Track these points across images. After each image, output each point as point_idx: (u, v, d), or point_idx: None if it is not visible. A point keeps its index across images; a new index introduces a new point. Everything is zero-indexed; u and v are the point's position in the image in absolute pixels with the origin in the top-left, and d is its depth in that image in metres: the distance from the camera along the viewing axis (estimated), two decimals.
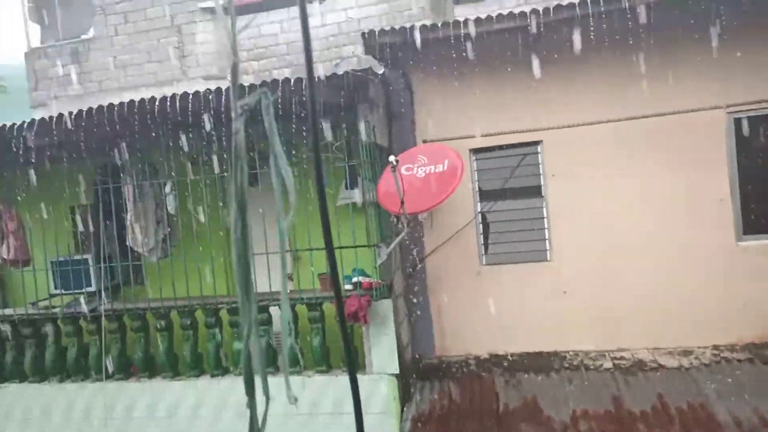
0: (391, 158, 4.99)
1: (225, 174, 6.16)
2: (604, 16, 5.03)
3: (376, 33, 5.54)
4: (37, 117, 7.21)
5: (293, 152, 5.65)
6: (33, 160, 6.17)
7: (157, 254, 6.46)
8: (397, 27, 6.12)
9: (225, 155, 5.89)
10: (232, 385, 5.95)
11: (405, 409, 5.44)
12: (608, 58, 5.32)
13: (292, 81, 5.11)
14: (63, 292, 6.72)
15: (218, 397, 5.98)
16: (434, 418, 5.21)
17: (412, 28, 5.45)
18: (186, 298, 6.10)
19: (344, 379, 5.65)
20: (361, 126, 5.34)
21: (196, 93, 5.38)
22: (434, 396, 5.54)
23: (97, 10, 10.60)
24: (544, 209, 5.62)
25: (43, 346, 6.49)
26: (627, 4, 4.87)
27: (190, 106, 5.33)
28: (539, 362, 5.43)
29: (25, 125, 5.68)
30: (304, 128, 5.70)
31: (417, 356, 5.78)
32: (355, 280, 5.54)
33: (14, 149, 5.87)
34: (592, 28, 5.14)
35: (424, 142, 5.66)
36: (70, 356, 6.43)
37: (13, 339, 6.56)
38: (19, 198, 6.84)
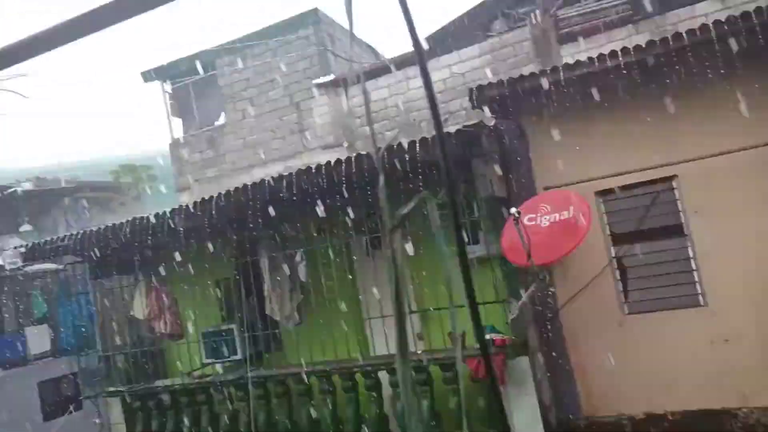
0: (513, 210, 4.89)
1: (349, 241, 6.40)
2: (729, 35, 4.65)
3: (484, 87, 5.56)
4: (182, 199, 8.02)
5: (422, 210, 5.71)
6: (180, 242, 6.83)
7: (293, 321, 6.76)
8: (502, 75, 6.11)
9: (349, 222, 6.12)
10: None
11: None
12: (743, 78, 4.87)
13: (406, 144, 5.22)
14: (213, 360, 7.22)
15: None
16: None
17: (521, 78, 5.40)
18: (322, 362, 6.28)
19: None
20: (478, 180, 5.31)
21: (319, 167, 5.68)
22: None
23: (227, 99, 11.75)
24: (689, 249, 5.13)
25: (199, 413, 6.96)
26: (757, 20, 4.48)
27: (314, 178, 5.65)
28: (707, 422, 4.82)
29: (173, 212, 6.33)
30: (420, 185, 5.78)
31: (562, 418, 5.41)
32: (487, 337, 5.39)
33: (164, 233, 6.55)
34: (718, 52, 4.76)
35: (545, 189, 5.48)
36: (222, 423, 6.83)
37: (171, 408, 7.12)
38: (170, 277, 7.55)
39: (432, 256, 5.86)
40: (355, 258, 6.81)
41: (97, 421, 8.19)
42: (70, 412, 13.26)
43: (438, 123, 1.37)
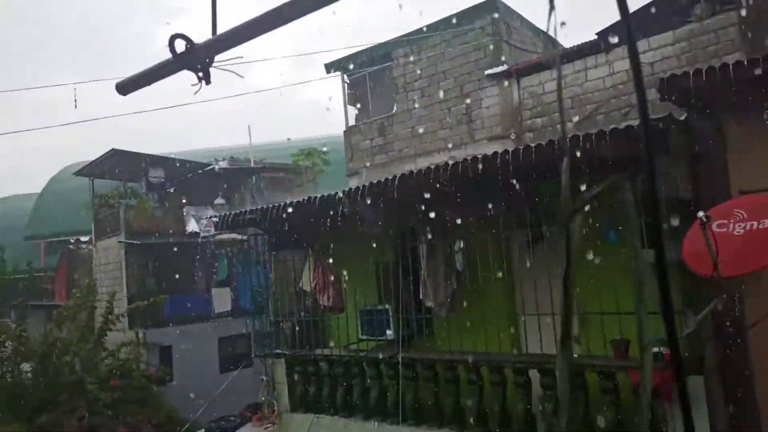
0: (701, 214, 4.39)
1: (510, 234, 6.26)
2: None
3: (677, 77, 5.04)
4: (352, 183, 8.42)
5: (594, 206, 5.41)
6: (347, 223, 7.23)
7: (445, 309, 6.81)
8: (699, 65, 5.47)
9: (512, 215, 5.98)
10: None
11: None
12: None
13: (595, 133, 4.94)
14: (368, 337, 7.57)
15: None
16: None
17: (724, 67, 4.81)
18: (472, 352, 6.25)
19: None
20: (661, 179, 4.84)
21: (486, 156, 5.63)
22: None
23: (399, 89, 12.13)
24: None
25: (351, 385, 7.36)
26: None
27: (480, 167, 5.61)
28: None
29: (338, 195, 6.71)
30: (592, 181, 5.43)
31: None
32: (655, 350, 4.93)
33: (332, 213, 6.97)
34: None
35: (742, 193, 4.83)
36: (372, 397, 7.14)
37: (327, 376, 7.60)
38: (336, 255, 8.04)
39: (599, 255, 5.50)
40: (513, 252, 6.66)
41: (264, 378, 9.07)
42: (242, 368, 14.82)
43: (644, 107, 1.24)
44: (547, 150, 5.12)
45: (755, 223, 4.39)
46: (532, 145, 5.24)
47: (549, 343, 5.71)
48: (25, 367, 13.92)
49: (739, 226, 4.48)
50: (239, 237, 15.63)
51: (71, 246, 24.94)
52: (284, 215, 7.39)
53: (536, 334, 5.73)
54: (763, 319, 4.76)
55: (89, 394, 13.21)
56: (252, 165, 17.83)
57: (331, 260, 8.00)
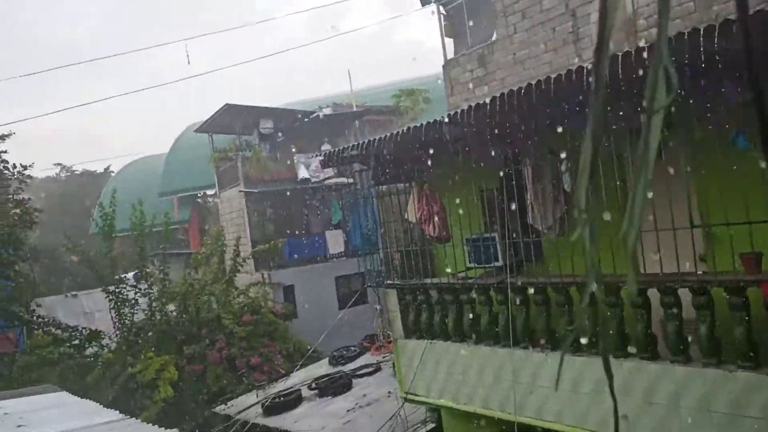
0: None
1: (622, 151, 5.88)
2: None
3: None
4: None
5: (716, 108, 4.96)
6: (449, 151, 7.18)
7: (555, 232, 6.64)
8: None
9: (624, 127, 5.61)
10: (635, 369, 5.64)
11: None
12: None
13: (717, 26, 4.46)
14: (476, 265, 7.60)
15: (621, 378, 5.76)
16: None
17: None
18: (584, 275, 6.07)
19: None
20: None
21: (580, 68, 5.27)
22: None
23: (499, 14, 11.57)
24: None
25: (462, 311, 7.49)
26: None
27: (575, 82, 5.28)
28: None
29: (442, 120, 6.65)
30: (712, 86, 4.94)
31: None
32: None
33: (434, 142, 6.95)
34: None
35: None
36: (483, 322, 7.23)
37: (438, 304, 7.79)
38: (440, 184, 8.06)
39: (724, 162, 5.05)
40: (627, 167, 6.26)
41: (378, 307, 9.51)
42: (358, 304, 15.57)
43: None
44: (650, 55, 4.68)
45: None
46: (645, 45, 4.81)
47: (669, 260, 5.40)
48: (170, 307, 15.64)
49: None
50: (347, 180, 16.14)
51: (200, 199, 27.16)
52: (387, 148, 7.49)
53: (654, 252, 5.43)
54: None
55: (225, 328, 14.62)
56: (354, 109, 18.10)
57: (434, 190, 8.04)
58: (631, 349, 5.79)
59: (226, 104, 17.27)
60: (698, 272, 5.44)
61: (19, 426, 4.95)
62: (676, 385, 5.35)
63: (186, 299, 15.24)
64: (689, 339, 5.40)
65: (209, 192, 25.72)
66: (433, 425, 9.04)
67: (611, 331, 5.90)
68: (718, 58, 4.54)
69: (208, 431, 11.37)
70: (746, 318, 4.93)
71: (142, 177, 27.10)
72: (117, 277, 15.67)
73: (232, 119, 18.31)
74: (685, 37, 4.58)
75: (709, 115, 5.00)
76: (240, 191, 18.26)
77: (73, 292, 21.81)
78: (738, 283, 4.94)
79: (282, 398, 11.56)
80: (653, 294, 5.56)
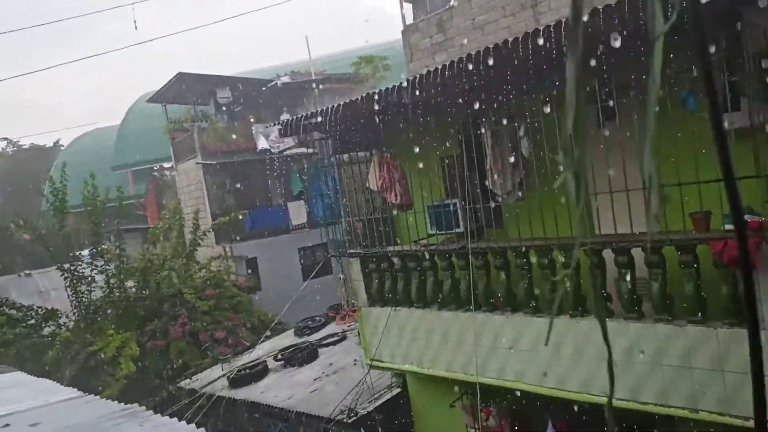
0: None
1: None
2: None
3: None
4: None
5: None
6: (409, 117, 7.13)
7: (514, 197, 6.72)
8: None
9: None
10: (592, 327, 5.82)
11: None
12: None
13: None
14: (437, 232, 7.65)
15: (579, 337, 5.95)
16: None
17: None
18: (543, 238, 6.20)
19: (724, 333, 4.90)
20: (747, 32, 4.38)
21: (549, 27, 5.27)
22: None
23: None
24: None
25: (424, 277, 7.56)
26: None
27: (532, 46, 5.27)
28: None
29: (401, 85, 6.57)
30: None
31: None
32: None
33: (394, 108, 6.89)
34: None
35: None
36: (445, 287, 7.32)
37: (400, 271, 7.83)
38: (400, 151, 8.02)
39: (673, 123, 5.17)
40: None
41: (341, 276, 9.52)
42: (322, 275, 15.55)
43: None
44: (613, 13, 4.71)
45: None
46: (601, 7, 4.82)
47: (623, 221, 5.54)
48: (129, 283, 15.30)
49: None
50: (308, 151, 15.92)
51: (156, 173, 26.43)
52: (347, 115, 7.38)
53: (609, 213, 5.56)
54: None
55: (188, 303, 14.43)
56: (313, 77, 17.77)
57: (395, 157, 8.00)
58: (587, 309, 5.97)
59: (179, 73, 16.70)
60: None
61: None
62: (630, 341, 5.56)
63: (145, 275, 14.94)
64: (641, 297, 5.60)
65: (165, 165, 25.04)
66: (398, 390, 9.21)
67: (570, 293, 6.06)
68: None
69: (173, 406, 11.29)
70: (696, 275, 5.13)
71: (94, 150, 26.16)
72: (72, 254, 15.19)
73: (186, 88, 17.74)
74: None
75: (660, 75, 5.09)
76: (197, 163, 17.83)
77: (27, 271, 21.11)
78: (688, 242, 5.11)
79: (248, 370, 11.55)
80: (608, 254, 5.72)
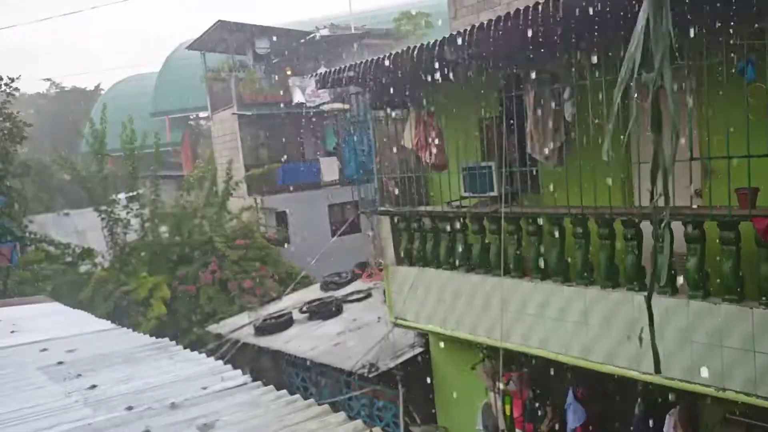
0: None
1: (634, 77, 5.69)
2: None
3: None
4: None
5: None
6: (449, 75, 6.95)
7: (553, 161, 6.56)
8: None
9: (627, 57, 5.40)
10: (623, 299, 5.72)
11: None
12: None
13: None
14: (471, 194, 7.55)
15: (607, 308, 5.87)
16: None
17: None
18: (580, 206, 6.06)
19: (759, 313, 4.76)
20: None
21: None
22: None
23: None
24: None
25: (455, 239, 7.51)
26: None
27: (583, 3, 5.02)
28: None
29: (443, 40, 6.39)
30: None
31: None
32: None
33: (434, 65, 6.71)
34: None
35: None
36: (475, 251, 7.26)
37: (431, 231, 7.79)
38: (438, 110, 7.87)
39: (729, 93, 4.92)
40: (629, 97, 6.11)
41: (370, 233, 9.54)
42: (352, 232, 15.65)
43: None
44: None
45: None
46: None
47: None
48: (162, 228, 15.67)
49: None
50: (344, 107, 15.79)
51: (192, 121, 26.70)
52: (385, 70, 7.24)
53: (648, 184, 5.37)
54: None
55: (218, 251, 14.74)
56: (353, 32, 17.47)
57: (432, 116, 7.86)
58: (621, 280, 5.87)
59: (219, 20, 16.61)
60: (694, 206, 5.43)
61: (12, 332, 5.01)
62: (661, 316, 5.45)
63: (178, 221, 15.26)
64: (677, 272, 5.45)
65: (202, 114, 25.23)
66: (420, 349, 9.30)
67: (603, 263, 5.95)
68: None
69: (201, 347, 11.67)
70: (736, 253, 4.96)
71: (133, 95, 26.48)
72: (109, 197, 15.58)
73: (225, 37, 17.67)
74: None
75: (720, 40, 4.81)
76: (233, 113, 17.90)
77: (66, 211, 21.76)
78: (729, 218, 4.92)
79: (273, 320, 11.81)
80: (646, 227, 5.56)
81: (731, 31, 4.81)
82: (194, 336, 13.32)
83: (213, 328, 12.89)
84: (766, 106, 5.04)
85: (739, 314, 4.90)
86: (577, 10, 5.07)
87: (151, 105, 24.63)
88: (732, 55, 4.85)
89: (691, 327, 5.23)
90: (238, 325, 12.40)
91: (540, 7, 5.33)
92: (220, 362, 3.50)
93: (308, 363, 10.08)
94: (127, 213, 15.43)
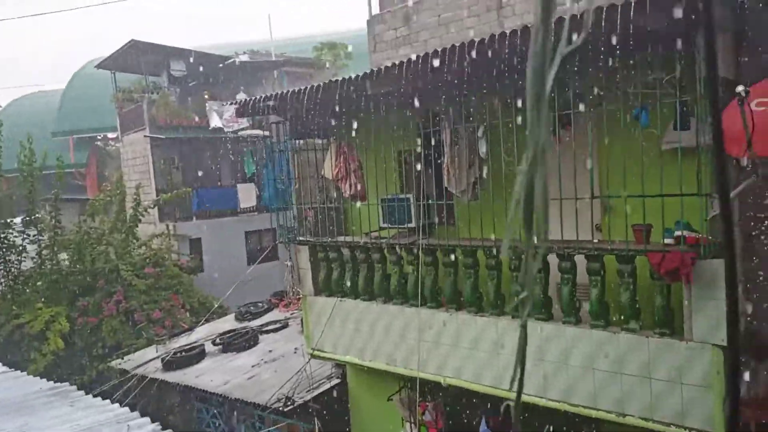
0: (740, 88, 4.15)
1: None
2: None
3: None
4: None
5: (614, 89, 5.19)
6: (370, 108, 7.08)
7: (468, 196, 6.79)
8: None
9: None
10: (530, 329, 5.96)
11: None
12: None
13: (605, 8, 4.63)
14: (390, 225, 7.65)
15: (516, 338, 6.07)
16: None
17: None
18: (492, 239, 6.30)
19: (656, 343, 5.12)
20: (700, 55, 4.56)
21: (503, 34, 5.34)
22: None
23: None
24: None
25: (373, 270, 7.55)
26: None
27: (497, 48, 5.33)
28: None
29: (364, 76, 6.52)
30: (626, 62, 5.18)
31: (752, 331, 4.84)
32: (678, 233, 4.89)
33: (355, 98, 6.82)
34: None
35: None
36: (393, 281, 7.34)
37: (349, 262, 7.80)
38: (358, 142, 7.97)
39: (626, 137, 5.34)
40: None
41: (288, 264, 9.40)
42: (268, 260, 15.33)
43: None
44: (572, 25, 4.80)
45: None
46: (565, 17, 4.91)
47: (569, 228, 5.70)
48: (63, 256, 14.61)
49: None
50: (262, 133, 15.59)
51: (99, 142, 25.32)
52: (306, 101, 7.25)
53: (557, 219, 5.70)
54: None
55: (124, 280, 13.91)
56: (273, 58, 17.41)
57: (352, 148, 7.94)
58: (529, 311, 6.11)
59: (132, 40, 16.01)
60: (594, 240, 5.80)
61: None
62: (566, 344, 5.73)
63: (81, 248, 14.29)
64: (580, 302, 5.78)
65: (110, 134, 24.01)
66: (337, 381, 9.19)
67: (514, 293, 6.19)
68: (630, 34, 4.72)
69: (102, 386, 10.88)
70: (632, 285, 5.33)
71: (34, 113, 24.78)
72: (3, 221, 14.36)
73: (138, 57, 17.03)
74: (602, 12, 4.71)
75: (617, 89, 5.24)
76: (145, 136, 17.18)
77: None
78: (627, 252, 5.30)
79: (183, 353, 11.26)
80: (553, 259, 5.87)
81: (628, 80, 5.26)
82: (95, 372, 12.42)
83: (116, 363, 12.09)
84: (657, 149, 5.53)
85: (637, 343, 5.25)
86: (487, 56, 5.34)
87: (55, 124, 23.15)
88: (630, 102, 5.29)
89: (594, 355, 5.54)
90: (145, 360, 11.72)
91: (454, 52, 5.58)
92: (126, 409, 3.28)
93: (220, 398, 9.66)
94: (23, 239, 14.26)
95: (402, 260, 7.28)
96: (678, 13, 4.45)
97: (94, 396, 3.45)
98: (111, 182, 17.24)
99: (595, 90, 5.32)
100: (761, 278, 4.88)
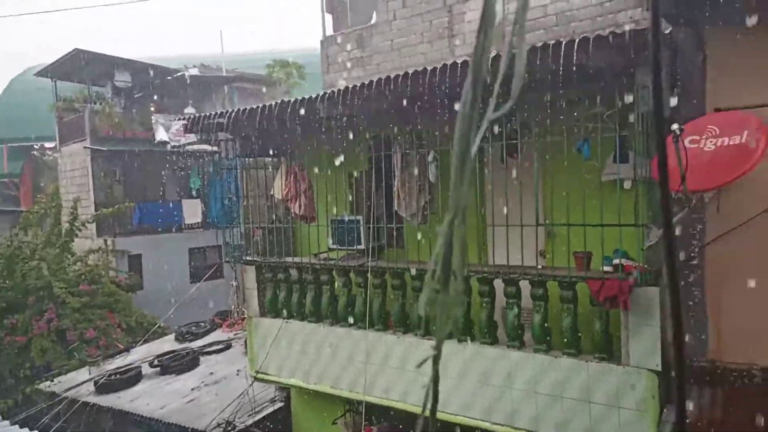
0: (674, 126, 4.40)
1: (483, 145, 6.20)
2: None
3: None
4: None
5: (550, 122, 5.40)
6: (321, 130, 7.09)
7: (417, 219, 6.86)
8: None
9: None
10: (476, 353, 6.04)
11: (665, 411, 4.84)
12: None
13: (551, 46, 4.84)
14: (339, 247, 7.61)
15: (462, 361, 6.14)
16: (701, 428, 4.52)
17: None
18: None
19: (595, 367, 5.28)
20: (639, 93, 4.81)
21: (454, 64, 5.48)
22: (702, 403, 4.80)
23: None
24: None
25: (321, 291, 7.48)
26: None
27: (447, 76, 5.47)
28: None
29: (315, 97, 6.53)
30: (574, 97, 5.39)
31: (687, 355, 5.06)
32: (616, 262, 5.10)
33: (306, 119, 6.81)
34: None
35: (717, 110, 4.84)
36: (341, 303, 7.29)
37: (297, 283, 7.70)
38: (309, 162, 7.94)
39: (569, 167, 5.54)
40: (486, 164, 6.65)
41: (234, 283, 9.19)
42: (213, 278, 14.94)
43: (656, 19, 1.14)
44: (513, 62, 4.99)
45: (726, 139, 4.44)
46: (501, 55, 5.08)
47: (515, 253, 5.84)
48: None
49: (711, 142, 4.52)
50: (210, 148, 15.29)
51: (35, 152, 24.18)
52: (256, 120, 7.18)
53: (503, 245, 5.83)
54: (718, 239, 4.94)
55: (57, 298, 13.23)
56: (224, 74, 17.19)
57: (303, 168, 7.90)
58: (476, 334, 6.20)
59: (76, 48, 15.47)
60: (538, 266, 5.96)
61: None
62: (510, 368, 5.83)
63: (10, 263, 13.52)
64: (524, 326, 5.90)
65: (48, 144, 22.98)
66: (281, 404, 9.00)
67: (450, 318, 6.26)
68: (574, 70, 4.93)
69: (29, 409, 10.25)
70: (573, 310, 5.50)
71: None
72: None
73: (81, 66, 16.45)
74: (549, 48, 4.91)
75: (562, 122, 5.45)
76: (85, 147, 16.52)
77: None
78: (569, 278, 5.47)
79: (118, 375, 10.76)
80: (499, 284, 5.98)
81: (572, 113, 5.48)
82: (21, 395, 11.68)
83: (45, 385, 11.41)
84: (598, 180, 5.77)
85: (577, 367, 5.39)
86: (437, 84, 5.46)
87: None
88: (574, 134, 5.50)
89: (536, 378, 5.65)
90: (77, 382, 11.12)
91: (407, 78, 5.68)
92: None
93: (157, 423, 9.26)
94: None
95: (350, 282, 7.25)
96: (618, 52, 4.71)
97: (21, 426, 3.21)
98: (46, 194, 16.47)
99: (542, 121, 5.51)
100: (692, 304, 5.13)
